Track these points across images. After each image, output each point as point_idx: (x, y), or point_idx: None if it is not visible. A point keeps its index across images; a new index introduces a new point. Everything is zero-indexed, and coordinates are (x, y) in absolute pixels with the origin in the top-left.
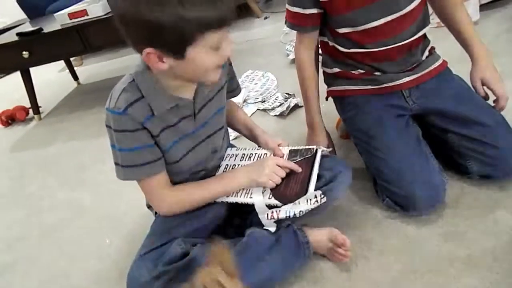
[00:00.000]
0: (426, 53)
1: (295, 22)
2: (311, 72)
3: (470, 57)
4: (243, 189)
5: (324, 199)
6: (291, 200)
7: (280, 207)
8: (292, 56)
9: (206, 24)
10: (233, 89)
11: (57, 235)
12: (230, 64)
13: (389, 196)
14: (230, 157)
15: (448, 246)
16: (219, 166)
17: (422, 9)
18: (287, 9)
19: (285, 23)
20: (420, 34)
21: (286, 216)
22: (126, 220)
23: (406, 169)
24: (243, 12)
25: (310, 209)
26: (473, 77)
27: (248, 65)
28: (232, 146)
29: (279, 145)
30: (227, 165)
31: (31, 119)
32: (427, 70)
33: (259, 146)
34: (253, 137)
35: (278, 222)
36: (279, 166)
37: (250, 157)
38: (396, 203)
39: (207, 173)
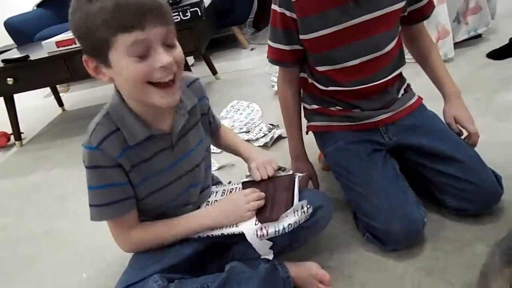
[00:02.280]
0: (402, 91)
1: (276, 57)
2: (294, 108)
3: (443, 95)
4: None
5: (311, 209)
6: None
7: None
8: (277, 88)
9: (113, 24)
10: (215, 126)
11: (31, 269)
12: (207, 99)
13: (369, 230)
14: (212, 194)
15: (428, 280)
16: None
17: (398, 50)
18: (268, 44)
19: (267, 58)
20: (396, 73)
21: (275, 231)
22: (105, 253)
23: (385, 204)
24: (230, 43)
25: (298, 222)
26: (447, 115)
27: (233, 95)
28: (219, 183)
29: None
30: (208, 201)
31: (12, 145)
32: (403, 107)
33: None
34: (239, 154)
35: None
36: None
37: (230, 192)
38: (376, 237)
39: (194, 207)
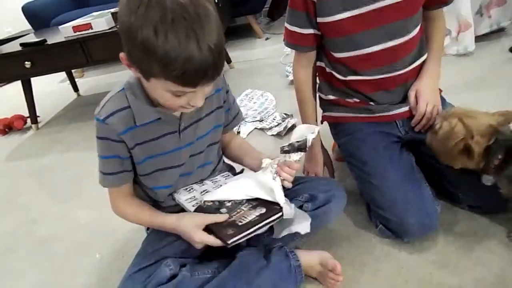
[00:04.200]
0: None
1: (292, 41)
2: (308, 94)
3: (421, 70)
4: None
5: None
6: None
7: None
8: (291, 77)
9: (171, 75)
10: (232, 119)
11: (46, 249)
12: (228, 91)
13: (382, 222)
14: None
15: (440, 274)
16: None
17: (420, 39)
18: (285, 27)
19: (283, 41)
20: (416, 64)
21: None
22: (117, 234)
23: (399, 196)
24: (245, 32)
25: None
26: (412, 87)
27: (247, 84)
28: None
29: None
30: (194, 196)
31: (29, 128)
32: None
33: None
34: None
35: (271, 243)
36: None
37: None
38: (389, 229)
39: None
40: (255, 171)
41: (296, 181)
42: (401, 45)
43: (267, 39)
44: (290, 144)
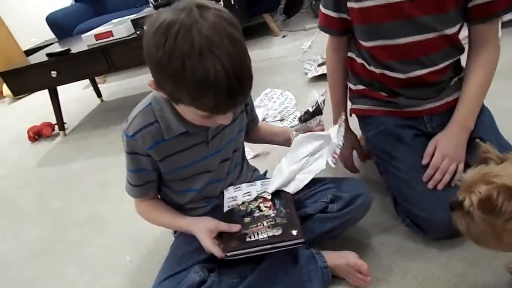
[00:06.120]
0: (456, 79)
1: (325, 24)
2: (338, 77)
3: (450, 120)
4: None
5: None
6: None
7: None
8: (310, 75)
9: (197, 104)
10: (252, 119)
11: (79, 251)
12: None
13: (409, 217)
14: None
15: (474, 270)
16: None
17: (452, 38)
18: (319, 10)
19: (318, 25)
20: (448, 62)
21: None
22: (146, 238)
23: (428, 190)
24: (262, 30)
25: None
26: (434, 138)
27: (266, 83)
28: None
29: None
30: (236, 196)
31: (57, 135)
32: (451, 98)
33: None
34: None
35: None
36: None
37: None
38: (417, 224)
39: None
40: (288, 146)
41: (320, 182)
42: (430, 40)
43: (284, 36)
44: (306, 112)
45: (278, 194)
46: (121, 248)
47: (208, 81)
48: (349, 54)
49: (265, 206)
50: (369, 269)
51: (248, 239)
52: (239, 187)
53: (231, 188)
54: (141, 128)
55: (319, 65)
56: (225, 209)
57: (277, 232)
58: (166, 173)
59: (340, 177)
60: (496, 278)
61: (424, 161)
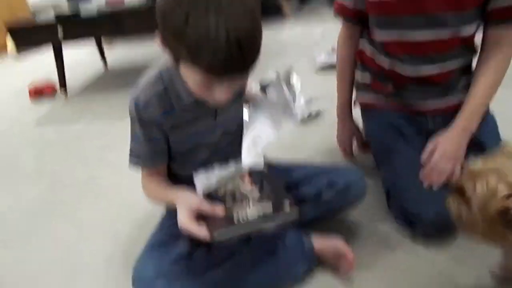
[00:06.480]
0: (464, 81)
1: (340, 11)
2: (348, 66)
3: (455, 119)
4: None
5: None
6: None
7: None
8: (319, 62)
9: (194, 59)
10: None
11: (74, 213)
12: None
13: (401, 212)
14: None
15: (461, 269)
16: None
17: (466, 40)
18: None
19: (334, 13)
20: (456, 63)
21: None
22: (140, 205)
23: (423, 188)
24: (274, 12)
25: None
26: (433, 138)
27: (273, 66)
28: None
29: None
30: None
31: (58, 96)
32: (456, 101)
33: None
34: None
35: (286, 227)
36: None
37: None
38: (409, 221)
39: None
40: None
41: (316, 168)
42: (443, 38)
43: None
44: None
45: (256, 170)
46: (116, 213)
47: (208, 37)
48: (360, 47)
49: (245, 183)
50: (354, 257)
51: (236, 219)
52: (211, 169)
53: (201, 172)
54: (151, 97)
55: (329, 54)
56: (200, 196)
57: (268, 209)
58: (172, 143)
59: (337, 163)
60: (479, 275)
61: (423, 160)
